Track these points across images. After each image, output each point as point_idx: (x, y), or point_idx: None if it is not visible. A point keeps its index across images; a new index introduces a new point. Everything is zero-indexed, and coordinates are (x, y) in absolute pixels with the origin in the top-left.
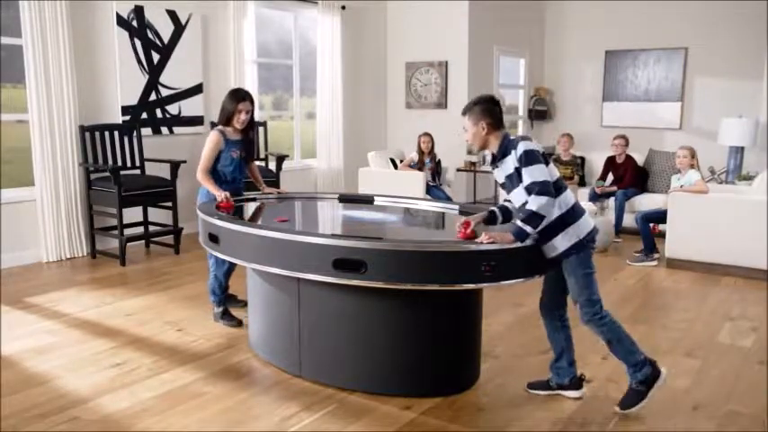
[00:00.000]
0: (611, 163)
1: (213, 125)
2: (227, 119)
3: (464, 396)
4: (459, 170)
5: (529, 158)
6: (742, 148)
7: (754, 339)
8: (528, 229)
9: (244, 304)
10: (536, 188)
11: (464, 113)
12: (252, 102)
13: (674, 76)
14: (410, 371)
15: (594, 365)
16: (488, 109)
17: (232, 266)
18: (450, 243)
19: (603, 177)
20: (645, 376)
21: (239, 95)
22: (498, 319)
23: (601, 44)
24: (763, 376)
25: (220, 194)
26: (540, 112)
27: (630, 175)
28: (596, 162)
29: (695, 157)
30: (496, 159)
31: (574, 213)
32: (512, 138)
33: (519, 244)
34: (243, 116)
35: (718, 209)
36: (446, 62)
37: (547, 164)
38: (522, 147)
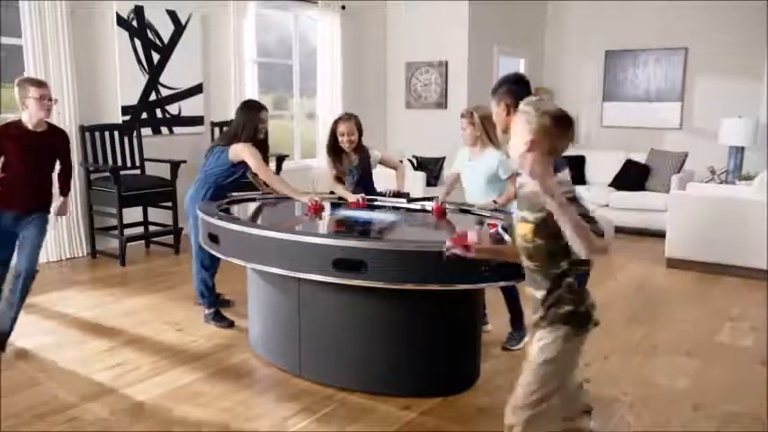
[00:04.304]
0: None
1: (214, 126)
2: (253, 132)
3: (464, 396)
4: None
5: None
6: (742, 148)
7: (754, 339)
8: None
9: (230, 303)
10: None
11: (491, 94)
12: (266, 110)
13: (674, 76)
14: (410, 371)
15: (594, 365)
16: (510, 90)
17: (215, 267)
18: None
19: None
20: None
21: (257, 105)
22: (498, 319)
23: (601, 44)
24: (763, 376)
25: (310, 198)
26: None
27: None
28: (596, 162)
29: (486, 126)
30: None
31: None
32: None
33: None
34: (266, 125)
35: (718, 209)
36: (446, 62)
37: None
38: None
